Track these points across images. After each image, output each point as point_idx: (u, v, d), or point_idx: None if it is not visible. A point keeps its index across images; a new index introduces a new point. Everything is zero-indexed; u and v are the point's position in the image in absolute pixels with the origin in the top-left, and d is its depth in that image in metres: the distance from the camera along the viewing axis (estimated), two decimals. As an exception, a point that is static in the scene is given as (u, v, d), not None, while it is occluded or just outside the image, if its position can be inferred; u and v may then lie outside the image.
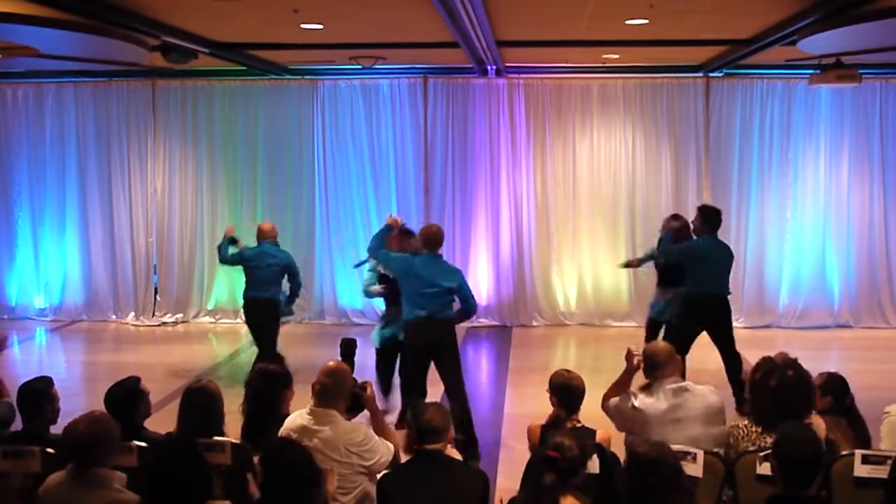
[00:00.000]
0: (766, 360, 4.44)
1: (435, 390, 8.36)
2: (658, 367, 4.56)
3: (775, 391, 4.22)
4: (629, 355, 4.75)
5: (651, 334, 8.29)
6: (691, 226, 8.05)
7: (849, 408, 4.55)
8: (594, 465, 3.84)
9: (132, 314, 12.13)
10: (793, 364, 4.36)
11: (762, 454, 3.97)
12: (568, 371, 4.59)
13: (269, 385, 4.60)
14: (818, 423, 4.26)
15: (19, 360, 10.64)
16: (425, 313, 6.56)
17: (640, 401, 4.51)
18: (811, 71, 9.77)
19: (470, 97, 11.70)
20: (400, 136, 11.79)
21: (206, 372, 9.19)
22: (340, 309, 11.91)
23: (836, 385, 4.55)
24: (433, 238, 6.73)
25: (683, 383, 4.51)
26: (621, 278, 11.49)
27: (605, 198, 11.61)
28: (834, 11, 6.88)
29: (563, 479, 3.46)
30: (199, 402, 4.34)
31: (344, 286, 11.84)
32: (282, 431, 4.27)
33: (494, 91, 11.67)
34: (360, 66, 10.63)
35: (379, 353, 7.65)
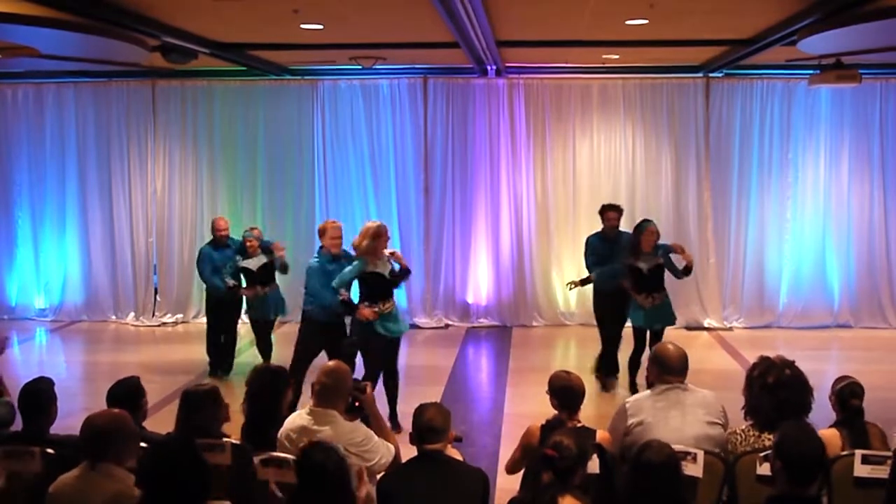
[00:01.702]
0: (763, 360, 4.43)
1: (436, 390, 8.40)
2: (668, 371, 4.51)
3: (773, 389, 4.22)
4: None
5: (640, 342, 8.16)
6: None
7: (852, 417, 4.37)
8: (594, 465, 3.84)
9: (132, 314, 12.13)
10: (790, 364, 4.36)
11: (762, 454, 3.97)
12: (567, 372, 4.58)
13: (269, 385, 4.60)
14: (833, 436, 4.20)
15: (19, 360, 10.63)
16: None
17: (635, 398, 4.50)
18: (811, 71, 9.77)
19: (470, 97, 11.69)
20: (400, 136, 11.78)
21: (206, 372, 9.19)
22: (340, 309, 11.90)
23: (840, 391, 4.41)
24: None
25: (684, 385, 4.49)
26: (621, 278, 11.49)
27: (606, 198, 11.47)
28: (834, 11, 6.88)
29: (562, 479, 3.46)
30: (195, 404, 4.33)
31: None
32: (282, 431, 4.28)
33: (494, 91, 11.66)
34: (360, 67, 10.63)
35: None
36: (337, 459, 3.45)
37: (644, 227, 8.10)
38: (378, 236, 7.10)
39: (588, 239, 8.80)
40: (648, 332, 8.03)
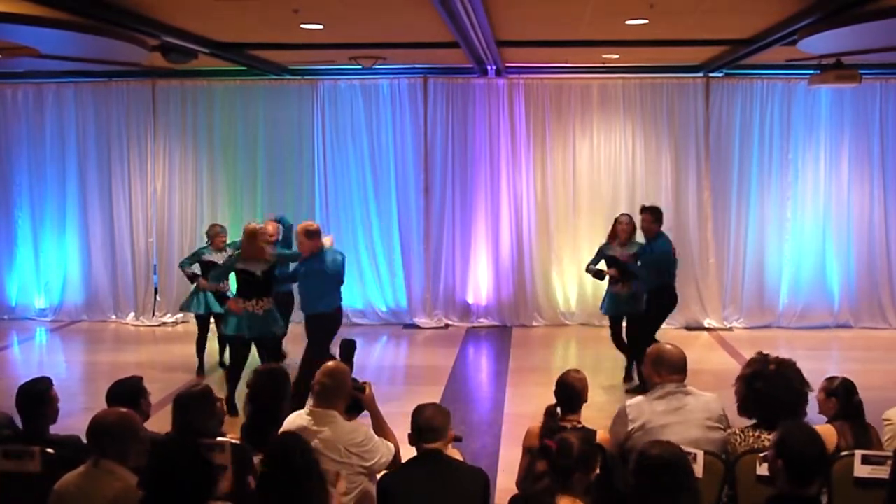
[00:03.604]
0: (755, 357, 4.47)
1: (436, 390, 8.40)
2: (667, 371, 4.49)
3: (749, 380, 4.29)
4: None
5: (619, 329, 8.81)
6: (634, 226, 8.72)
7: (855, 412, 4.40)
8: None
9: (132, 314, 12.12)
10: (779, 361, 4.36)
11: (762, 455, 3.97)
12: (577, 371, 4.62)
13: (269, 385, 4.59)
14: (828, 431, 4.21)
15: (19, 360, 10.64)
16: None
17: (635, 401, 4.49)
18: (811, 71, 9.77)
19: (470, 97, 11.69)
20: (400, 136, 11.78)
21: (206, 372, 9.18)
22: (340, 309, 11.89)
23: (841, 388, 4.48)
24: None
25: (685, 387, 4.48)
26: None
27: (605, 198, 11.60)
28: (834, 11, 6.88)
29: (561, 478, 3.44)
30: (190, 406, 4.31)
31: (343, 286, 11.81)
32: (281, 432, 4.27)
33: (494, 91, 11.66)
34: (360, 66, 10.63)
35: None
36: (303, 447, 3.47)
37: (619, 218, 8.79)
38: (251, 236, 7.65)
39: None
40: (622, 320, 8.74)
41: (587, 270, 8.93)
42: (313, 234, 7.56)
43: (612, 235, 8.78)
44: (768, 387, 4.23)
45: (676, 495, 3.28)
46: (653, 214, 8.43)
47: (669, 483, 3.27)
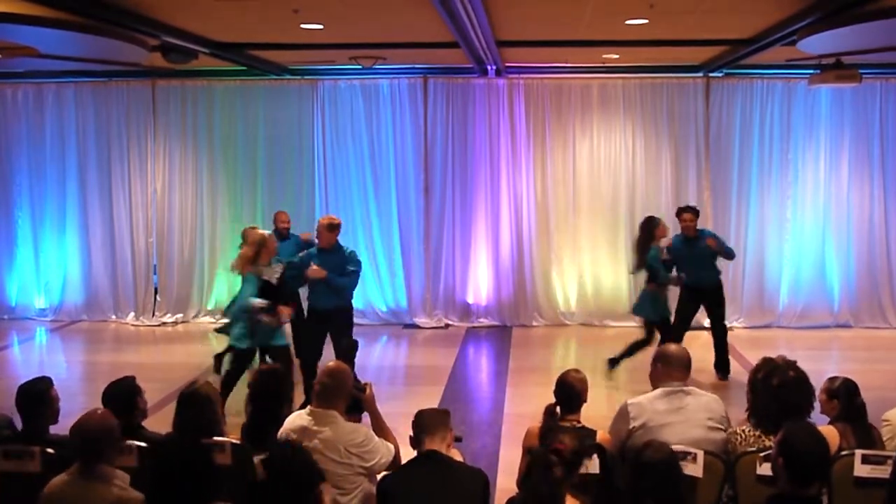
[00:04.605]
0: (766, 361, 4.43)
1: (436, 390, 8.40)
2: (672, 371, 4.51)
3: (777, 391, 4.22)
4: None
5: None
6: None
7: (858, 414, 4.40)
8: (594, 464, 3.84)
9: (132, 314, 12.12)
10: (793, 365, 4.36)
11: (762, 454, 3.97)
12: (577, 371, 4.62)
13: (270, 385, 4.59)
14: (830, 433, 4.20)
15: (19, 360, 10.65)
16: None
17: (636, 400, 4.49)
18: (811, 71, 9.77)
19: (470, 97, 11.69)
20: (400, 136, 11.78)
21: (205, 373, 9.17)
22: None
23: (843, 389, 4.48)
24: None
25: (686, 387, 4.48)
26: (621, 278, 11.49)
27: (605, 198, 11.61)
28: (834, 11, 6.88)
29: (570, 476, 3.47)
30: (193, 407, 4.31)
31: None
32: (282, 432, 4.27)
33: (494, 91, 11.67)
34: (360, 66, 10.63)
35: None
36: (304, 460, 3.42)
37: (659, 221, 8.70)
38: (263, 244, 7.39)
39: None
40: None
41: (667, 281, 8.65)
42: (335, 228, 7.75)
43: (653, 238, 8.58)
44: (794, 395, 4.22)
45: (664, 493, 3.31)
46: (695, 213, 8.82)
47: (654, 482, 3.30)
